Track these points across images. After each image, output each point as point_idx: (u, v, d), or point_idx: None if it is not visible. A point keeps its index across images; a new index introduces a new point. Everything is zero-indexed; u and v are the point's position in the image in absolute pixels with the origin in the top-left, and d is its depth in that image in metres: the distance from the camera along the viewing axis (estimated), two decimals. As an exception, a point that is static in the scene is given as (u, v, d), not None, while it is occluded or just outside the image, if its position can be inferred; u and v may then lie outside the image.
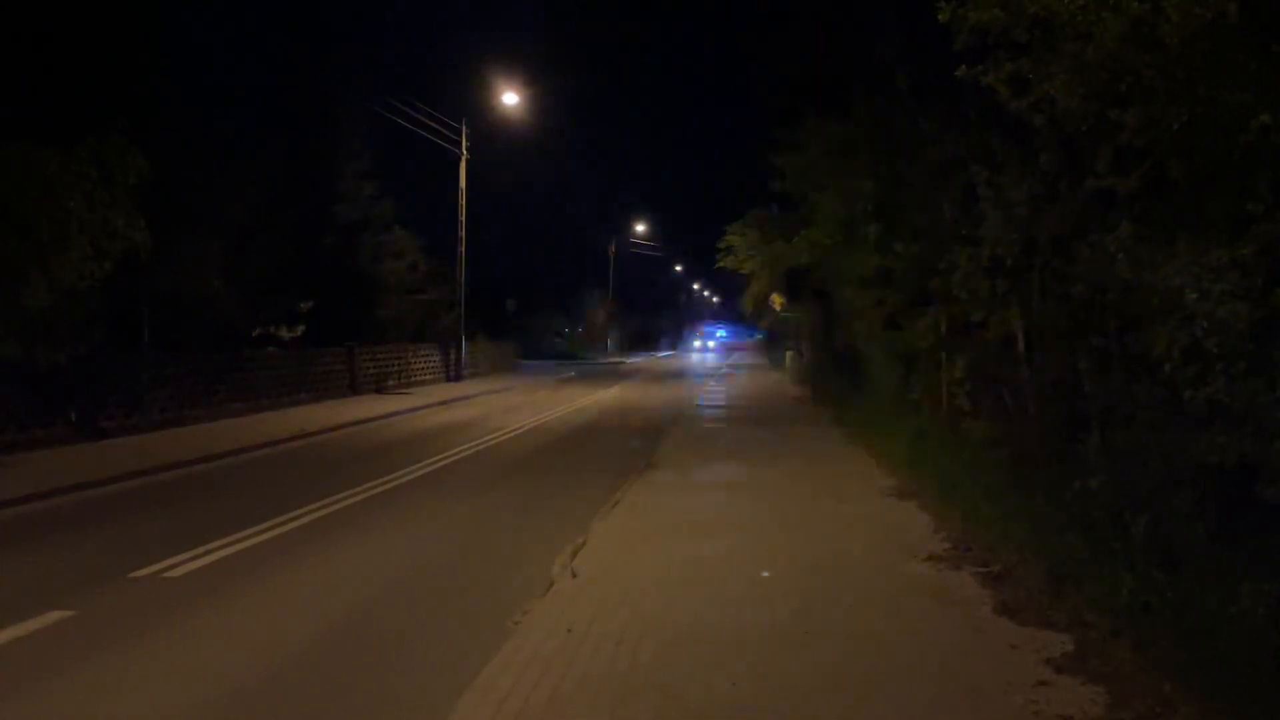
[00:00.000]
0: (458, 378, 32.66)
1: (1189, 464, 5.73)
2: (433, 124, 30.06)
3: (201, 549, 8.16)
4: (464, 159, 31.70)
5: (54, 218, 11.89)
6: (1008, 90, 6.93)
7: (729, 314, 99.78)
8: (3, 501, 10.31)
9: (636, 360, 58.36)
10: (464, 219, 31.95)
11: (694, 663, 5.14)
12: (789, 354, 37.29)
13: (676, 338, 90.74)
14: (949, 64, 7.30)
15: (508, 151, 39.21)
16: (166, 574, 7.47)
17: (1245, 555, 5.24)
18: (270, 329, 25.99)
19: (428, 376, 31.43)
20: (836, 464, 12.72)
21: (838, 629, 5.71)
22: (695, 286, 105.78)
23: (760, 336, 66.73)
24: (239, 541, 8.51)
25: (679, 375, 41.75)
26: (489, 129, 33.18)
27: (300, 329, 27.46)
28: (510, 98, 31.94)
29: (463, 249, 32.19)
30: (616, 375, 40.35)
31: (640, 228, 72.58)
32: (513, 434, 17.58)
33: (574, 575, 7.04)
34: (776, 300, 32.41)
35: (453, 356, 33.01)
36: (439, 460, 13.96)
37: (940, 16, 6.80)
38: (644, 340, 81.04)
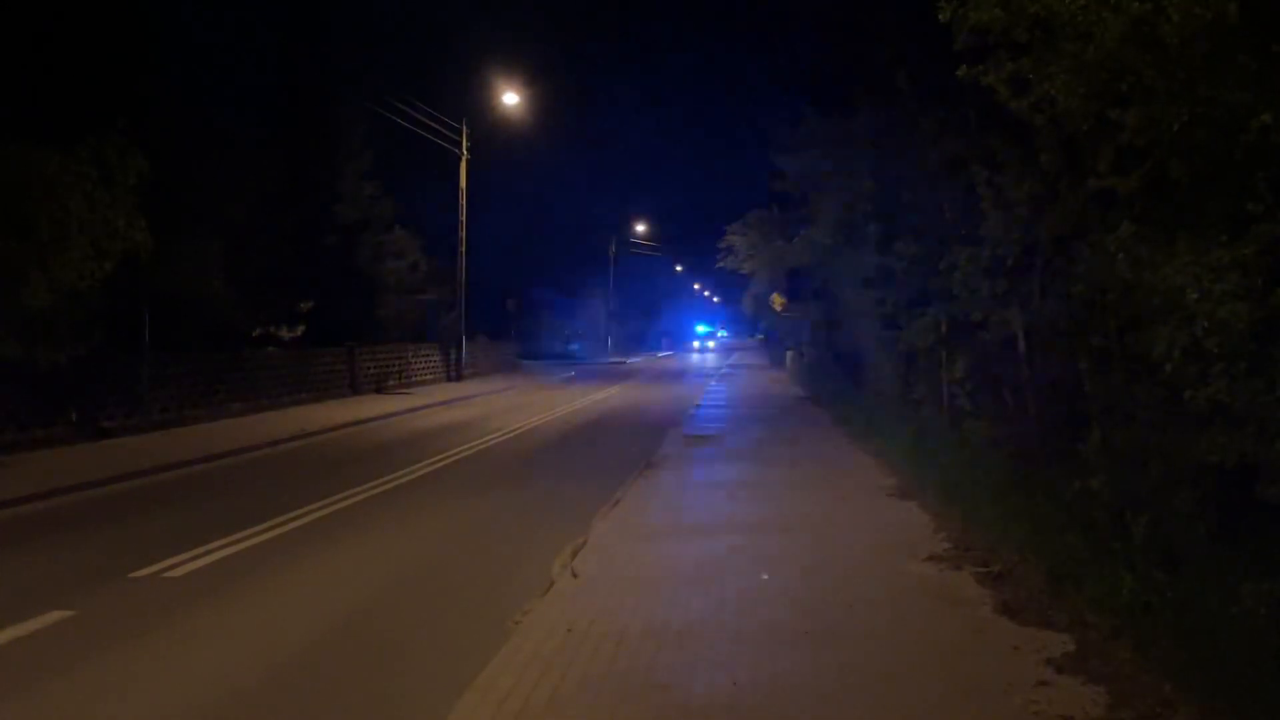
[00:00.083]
0: (458, 378, 32.66)
1: (1189, 464, 5.72)
2: (433, 124, 30.06)
3: (202, 549, 8.17)
4: (464, 159, 31.70)
5: (54, 217, 11.89)
6: (1008, 90, 6.93)
7: (729, 314, 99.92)
8: (3, 501, 10.31)
9: (636, 360, 58.34)
10: (464, 219, 31.95)
11: (694, 663, 5.14)
12: (789, 354, 37.29)
13: (677, 338, 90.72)
14: (949, 64, 7.30)
15: (508, 151, 39.17)
16: (167, 574, 7.47)
17: (1246, 555, 5.24)
18: (270, 329, 25.98)
19: (428, 376, 31.43)
20: (837, 464, 12.71)
21: (838, 629, 5.71)
22: (696, 286, 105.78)
23: (760, 336, 66.75)
24: (239, 541, 8.51)
25: (679, 375, 41.76)
26: (489, 129, 33.19)
27: (300, 329, 27.45)
28: (510, 98, 31.96)
29: (463, 249, 32.20)
30: (617, 375, 40.35)
31: (641, 227, 72.59)
32: (513, 434, 17.58)
33: (574, 575, 7.04)
34: (777, 300, 32.45)
35: (453, 356, 33.02)
36: (439, 460, 13.96)
37: (940, 16, 6.80)
38: (644, 340, 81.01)
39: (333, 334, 26.18)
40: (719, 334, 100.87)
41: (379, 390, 26.98)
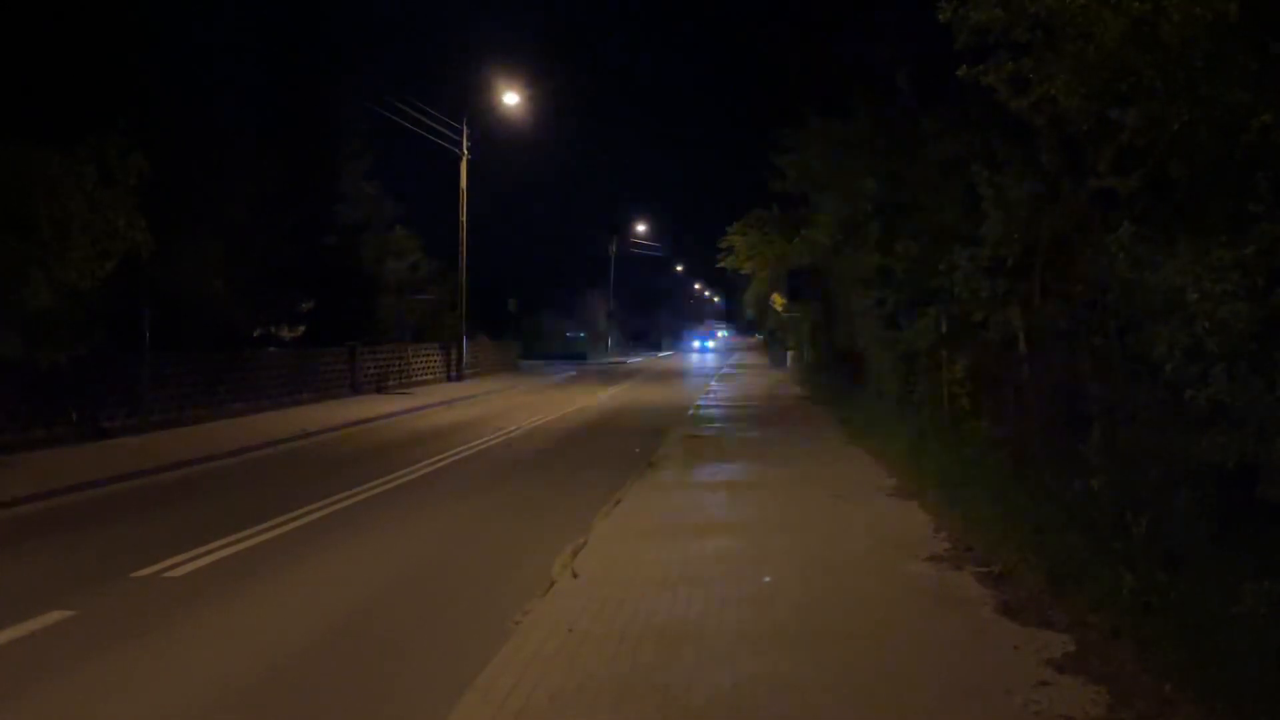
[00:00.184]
0: (459, 378, 32.67)
1: (1190, 464, 5.72)
2: (434, 124, 30.10)
3: (202, 549, 8.17)
4: (465, 159, 31.72)
5: (55, 218, 11.90)
6: (1008, 90, 6.93)
7: (730, 314, 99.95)
8: (4, 501, 10.31)
9: (637, 360, 58.36)
10: (465, 219, 31.97)
11: (695, 663, 5.14)
12: (790, 354, 37.29)
13: (677, 338, 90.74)
14: (950, 64, 7.31)
15: (508, 151, 39.23)
16: (167, 574, 7.47)
17: (1246, 555, 5.24)
18: (271, 329, 26.01)
19: (429, 376, 31.44)
20: (837, 464, 12.71)
21: (839, 629, 5.70)
22: (696, 286, 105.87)
23: (761, 336, 66.75)
24: (240, 541, 8.52)
25: (679, 375, 41.77)
26: (490, 129, 33.24)
27: (301, 329, 27.48)
28: (511, 98, 31.98)
29: (463, 249, 32.20)
30: (617, 375, 40.35)
31: (641, 227, 72.65)
32: (513, 434, 17.58)
33: (575, 575, 7.04)
34: (777, 300, 32.47)
35: (453, 356, 33.03)
36: (440, 460, 13.96)
37: (941, 16, 6.81)
38: (644, 340, 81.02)
39: (333, 334, 26.19)
40: (719, 334, 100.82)
41: (379, 390, 26.99)
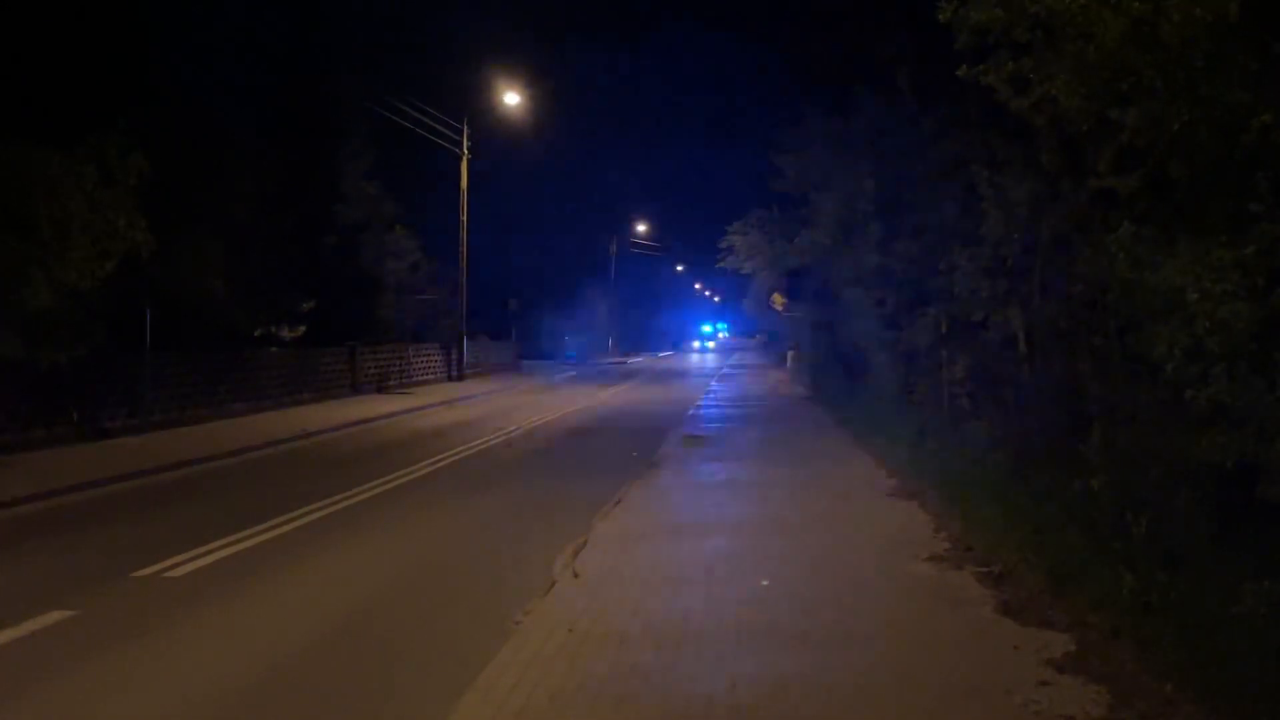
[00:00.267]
0: (459, 377, 32.67)
1: (1190, 464, 5.73)
2: (434, 124, 30.07)
3: (203, 549, 8.17)
4: (465, 159, 31.71)
5: (55, 217, 11.90)
6: (1009, 90, 6.94)
7: (730, 314, 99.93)
8: (4, 501, 10.31)
9: (637, 360, 58.35)
10: (465, 219, 31.97)
11: (695, 663, 5.14)
12: (790, 354, 37.29)
13: (677, 337, 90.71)
14: (950, 64, 7.31)
15: (509, 151, 39.18)
16: (168, 574, 7.47)
17: (1247, 555, 5.25)
18: (272, 329, 25.99)
19: (429, 376, 31.45)
20: (837, 464, 12.71)
21: (839, 629, 5.71)
22: (696, 286, 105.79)
23: (761, 336, 66.74)
24: (241, 541, 8.52)
25: (680, 375, 41.76)
26: (490, 129, 33.21)
27: (302, 329, 27.46)
28: (512, 98, 31.97)
29: (464, 248, 32.20)
30: (617, 375, 40.35)
31: (641, 227, 72.59)
32: (514, 434, 17.58)
33: (575, 575, 7.04)
34: (777, 300, 32.46)
35: (454, 356, 33.03)
36: (440, 460, 13.96)
37: (941, 16, 6.81)
38: (645, 340, 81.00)
39: (334, 334, 26.19)
40: (720, 334, 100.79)
41: (380, 390, 26.99)
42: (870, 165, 16.10)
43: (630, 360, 57.44)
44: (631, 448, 14.99)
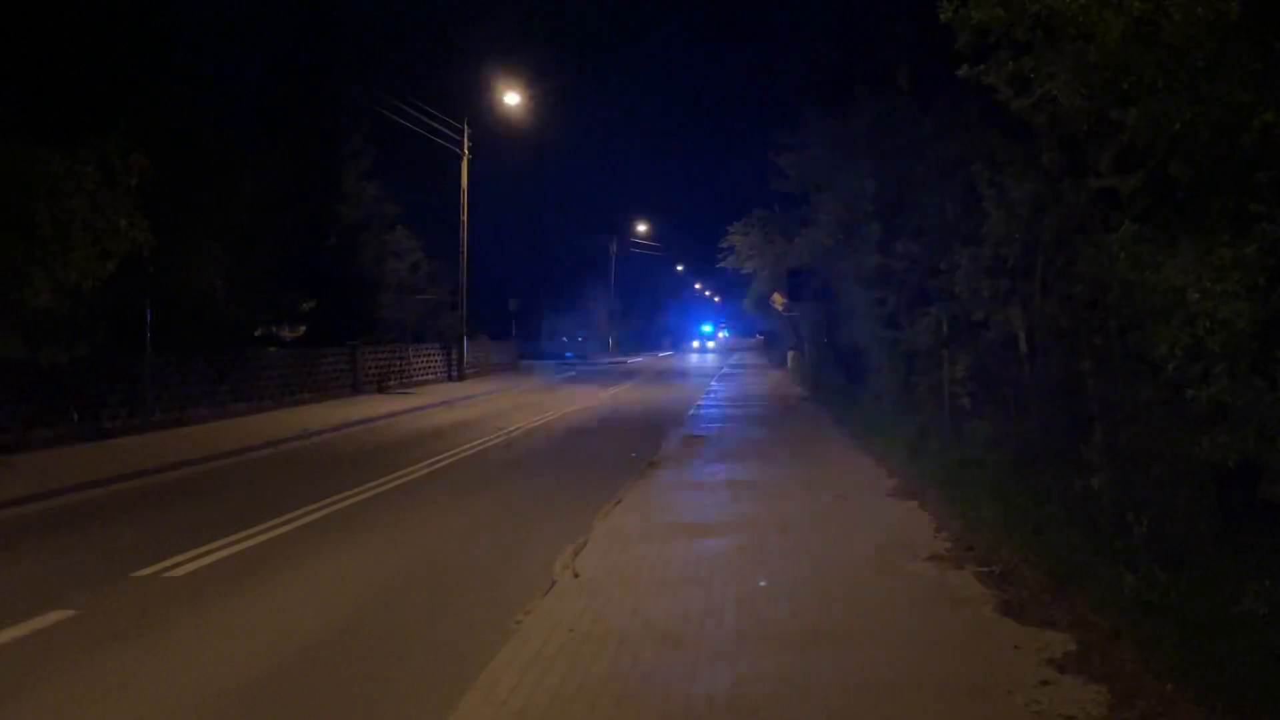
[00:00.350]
0: (459, 377, 32.68)
1: (1191, 464, 5.72)
2: (435, 124, 30.08)
3: (204, 548, 8.17)
4: (465, 158, 31.72)
5: (56, 217, 11.88)
6: (1009, 90, 6.94)
7: (730, 314, 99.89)
8: (5, 501, 10.32)
9: (637, 360, 58.34)
10: (465, 219, 31.97)
11: (696, 663, 5.14)
12: (790, 354, 37.28)
13: (678, 337, 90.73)
14: (951, 63, 7.31)
15: (509, 152, 39.22)
16: (168, 574, 7.47)
17: (1248, 555, 5.24)
18: (272, 328, 26.01)
19: (429, 376, 31.45)
20: (838, 464, 12.71)
21: (839, 629, 5.70)
22: (697, 286, 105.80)
23: (761, 336, 66.75)
24: (241, 541, 8.52)
25: (680, 375, 41.75)
26: (491, 129, 33.21)
27: (302, 329, 27.48)
28: (512, 98, 31.97)
29: (464, 248, 32.20)
30: (618, 375, 40.35)
31: (642, 227, 72.61)
32: (514, 434, 17.58)
33: (576, 575, 7.04)
34: (778, 300, 32.43)
35: (454, 356, 33.04)
36: (441, 460, 13.96)
37: (942, 16, 6.80)
38: (645, 340, 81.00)
39: (334, 334, 26.20)
40: (720, 334, 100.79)
41: (380, 390, 27.00)
42: (871, 165, 16.08)
43: (630, 360, 57.42)
44: (631, 448, 14.99)
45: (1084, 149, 7.41)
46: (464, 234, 32.02)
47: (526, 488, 11.71)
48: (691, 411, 21.47)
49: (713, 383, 33.30)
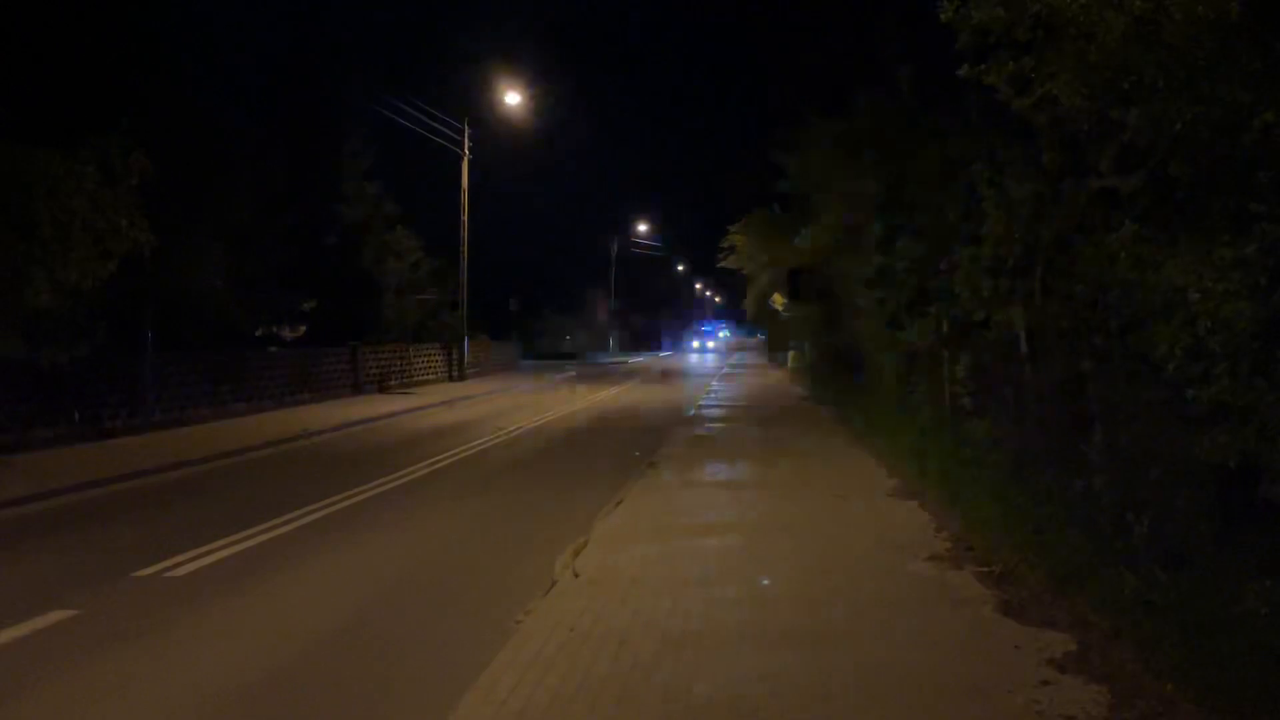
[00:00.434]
0: (460, 377, 32.68)
1: (1192, 464, 5.72)
2: (435, 124, 30.12)
3: (204, 548, 8.17)
4: (466, 158, 31.72)
5: (57, 217, 11.90)
6: (1010, 89, 6.93)
7: (731, 314, 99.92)
8: (6, 501, 10.33)
9: (638, 360, 58.36)
10: (466, 219, 31.98)
11: (696, 663, 5.13)
12: (791, 354, 37.28)
13: (678, 337, 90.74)
14: (951, 63, 7.30)
15: (510, 151, 39.25)
16: (169, 574, 7.48)
17: (1248, 555, 5.24)
18: (273, 328, 26.05)
19: (430, 376, 31.46)
20: (838, 464, 12.71)
21: (839, 629, 5.70)
22: (697, 286, 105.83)
23: (761, 336, 66.73)
24: (242, 541, 8.52)
25: (680, 375, 41.75)
26: (491, 129, 33.24)
27: (303, 328, 27.52)
28: (513, 98, 32.00)
29: (465, 248, 32.22)
30: (618, 375, 40.36)
31: (642, 227, 72.66)
32: (515, 434, 17.58)
33: (576, 575, 7.04)
34: (778, 300, 32.42)
35: (455, 356, 33.05)
36: (441, 460, 13.97)
37: (942, 16, 6.80)
38: (646, 340, 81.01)
39: (335, 333, 26.22)
40: (720, 334, 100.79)
41: (381, 390, 27.01)
42: (872, 165, 16.07)
43: (631, 360, 57.44)
44: (632, 447, 14.99)
45: (1084, 149, 7.40)
46: (464, 234, 32.03)
47: (527, 488, 11.71)
48: (692, 411, 21.47)
49: (713, 383, 33.29)
